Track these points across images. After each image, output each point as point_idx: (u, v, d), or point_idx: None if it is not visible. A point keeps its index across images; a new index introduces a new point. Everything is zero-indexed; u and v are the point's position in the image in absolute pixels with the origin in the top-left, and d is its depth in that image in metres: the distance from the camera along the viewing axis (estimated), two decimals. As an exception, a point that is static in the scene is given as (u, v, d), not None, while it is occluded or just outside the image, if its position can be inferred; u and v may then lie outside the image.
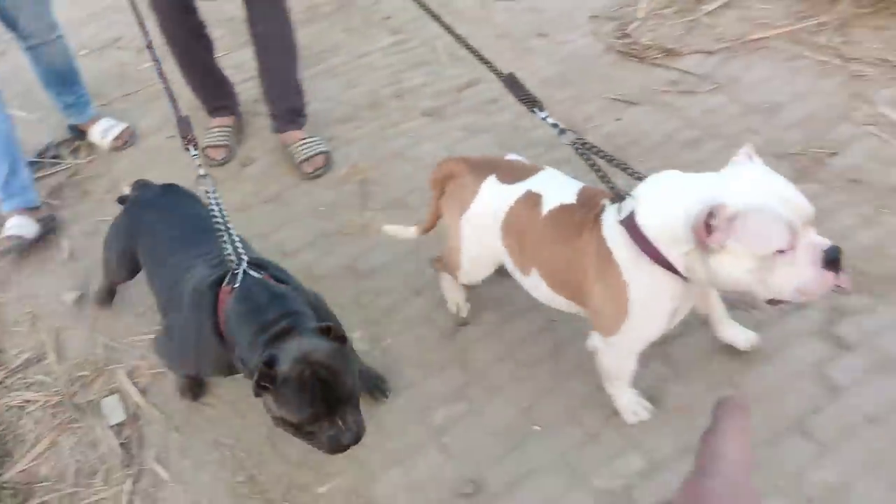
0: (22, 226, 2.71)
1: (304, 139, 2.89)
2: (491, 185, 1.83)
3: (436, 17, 1.99)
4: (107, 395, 2.18)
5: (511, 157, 2.03)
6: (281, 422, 1.46)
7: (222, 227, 1.67)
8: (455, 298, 2.19)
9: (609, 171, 1.64)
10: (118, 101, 3.53)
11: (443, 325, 2.19)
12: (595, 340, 1.73)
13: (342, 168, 2.85)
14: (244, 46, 3.19)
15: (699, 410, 1.83)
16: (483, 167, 1.87)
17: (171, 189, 2.08)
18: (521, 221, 1.75)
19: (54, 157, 3.23)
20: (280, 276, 1.66)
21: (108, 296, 2.41)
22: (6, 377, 2.29)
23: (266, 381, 1.38)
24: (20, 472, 2.02)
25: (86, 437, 2.08)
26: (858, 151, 2.49)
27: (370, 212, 2.63)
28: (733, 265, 1.39)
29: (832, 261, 1.36)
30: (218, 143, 3.01)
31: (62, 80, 3.10)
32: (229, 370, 1.65)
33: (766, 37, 3.12)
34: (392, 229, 2.22)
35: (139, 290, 2.48)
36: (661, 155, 2.60)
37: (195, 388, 2.11)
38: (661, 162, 2.54)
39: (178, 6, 2.73)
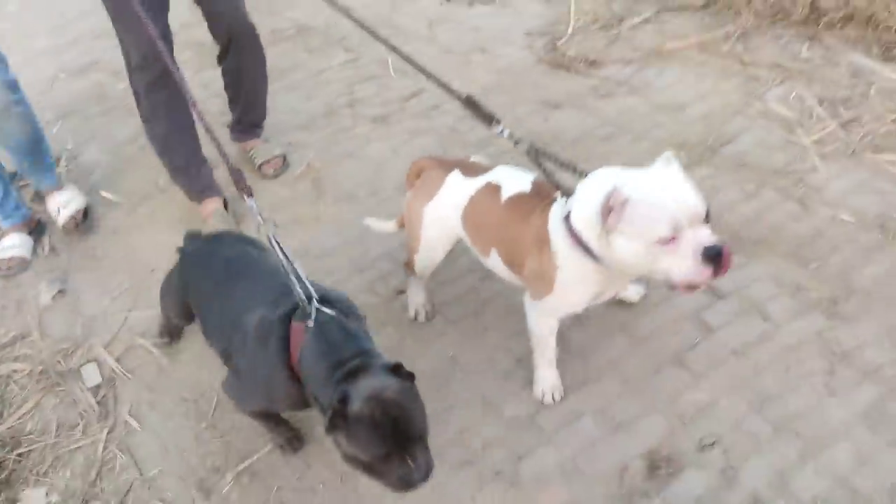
0: (19, 245, 2.93)
1: (262, 144, 3.21)
2: (455, 177, 2.07)
3: (391, 46, 2.12)
4: (85, 364, 2.45)
5: (474, 158, 2.32)
6: (351, 459, 1.48)
7: (287, 267, 1.68)
8: (416, 303, 2.39)
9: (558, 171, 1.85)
10: (97, 115, 3.83)
11: (383, 293, 2.50)
12: (525, 300, 1.98)
13: (298, 168, 3.17)
14: (211, 67, 3.47)
15: (592, 351, 2.16)
16: (449, 163, 2.13)
17: (218, 237, 2.10)
18: (482, 208, 1.98)
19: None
20: (346, 311, 1.67)
21: (173, 333, 2.46)
22: (-5, 353, 2.57)
23: (339, 419, 1.41)
24: (8, 428, 2.29)
25: (66, 398, 2.35)
26: (748, 140, 2.86)
27: (323, 205, 2.95)
28: (627, 248, 1.58)
29: (712, 256, 1.53)
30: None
31: (21, 148, 2.90)
32: (303, 405, 1.68)
33: (678, 47, 3.51)
34: (373, 223, 2.43)
35: (117, 274, 2.79)
36: (580, 148, 2.95)
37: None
38: (581, 153, 2.89)
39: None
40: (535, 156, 1.85)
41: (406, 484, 1.46)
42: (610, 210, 1.57)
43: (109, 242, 2.98)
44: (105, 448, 2.18)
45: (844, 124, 2.86)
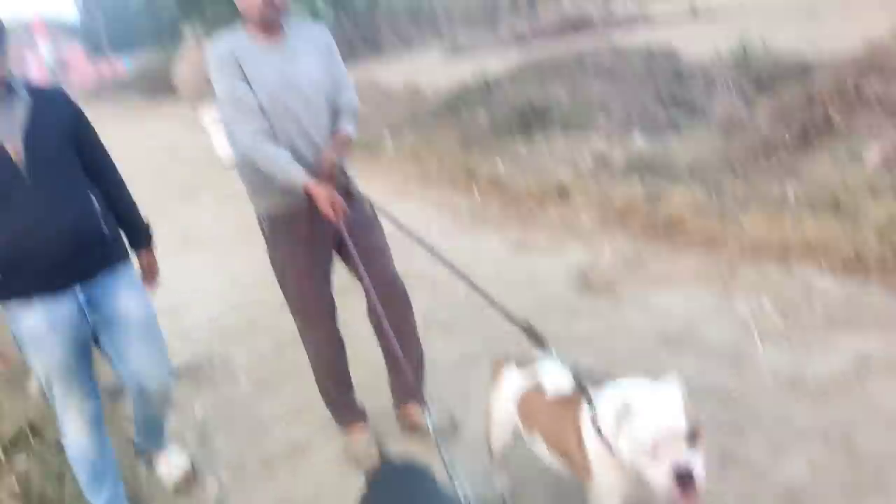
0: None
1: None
2: (511, 370, 2.52)
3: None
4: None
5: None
6: None
7: None
8: (502, 484, 2.74)
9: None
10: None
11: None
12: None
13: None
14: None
15: None
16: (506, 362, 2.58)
17: (411, 469, 2.06)
18: (531, 399, 2.38)
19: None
20: None
21: None
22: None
23: None
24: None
25: None
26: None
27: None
28: (626, 453, 1.90)
29: (682, 477, 1.76)
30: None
31: (148, 424, 3.19)
32: None
33: (681, 277, 4.51)
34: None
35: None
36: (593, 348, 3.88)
37: None
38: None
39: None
40: (577, 376, 2.22)
41: None
42: (619, 418, 1.93)
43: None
44: None
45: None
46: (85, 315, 2.68)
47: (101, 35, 44.55)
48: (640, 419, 1.84)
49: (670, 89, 9.44)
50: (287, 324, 3.27)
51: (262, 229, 3.02)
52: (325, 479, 3.20)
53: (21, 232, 2.49)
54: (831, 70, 6.30)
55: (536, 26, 25.91)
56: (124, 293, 2.77)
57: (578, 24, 24.70)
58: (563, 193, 6.28)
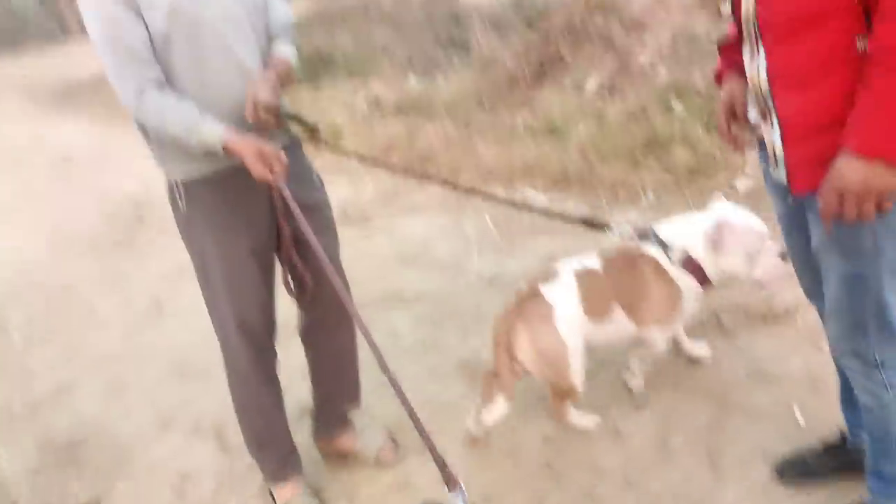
0: None
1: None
2: (548, 287, 2.43)
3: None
4: None
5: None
6: None
7: None
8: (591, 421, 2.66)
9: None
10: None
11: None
12: (650, 335, 2.56)
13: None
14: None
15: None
16: (525, 293, 2.46)
17: None
18: (592, 285, 2.44)
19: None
20: None
21: None
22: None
23: None
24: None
25: None
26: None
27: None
28: (733, 263, 2.36)
29: (783, 255, 2.26)
30: None
31: None
32: None
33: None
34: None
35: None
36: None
37: None
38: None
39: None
40: (643, 234, 2.49)
41: None
42: (716, 240, 2.34)
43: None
44: None
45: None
46: None
47: None
48: (743, 230, 2.32)
49: (449, 32, 10.06)
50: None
51: (176, 201, 2.25)
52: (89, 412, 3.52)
53: None
54: (564, 9, 7.06)
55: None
56: None
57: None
58: (336, 134, 6.70)
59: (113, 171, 7.45)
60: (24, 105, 13.66)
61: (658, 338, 2.58)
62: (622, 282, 2.46)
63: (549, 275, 2.47)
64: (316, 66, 9.22)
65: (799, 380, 2.71)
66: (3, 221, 6.71)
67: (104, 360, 3.91)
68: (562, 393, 2.50)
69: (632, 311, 2.48)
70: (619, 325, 2.49)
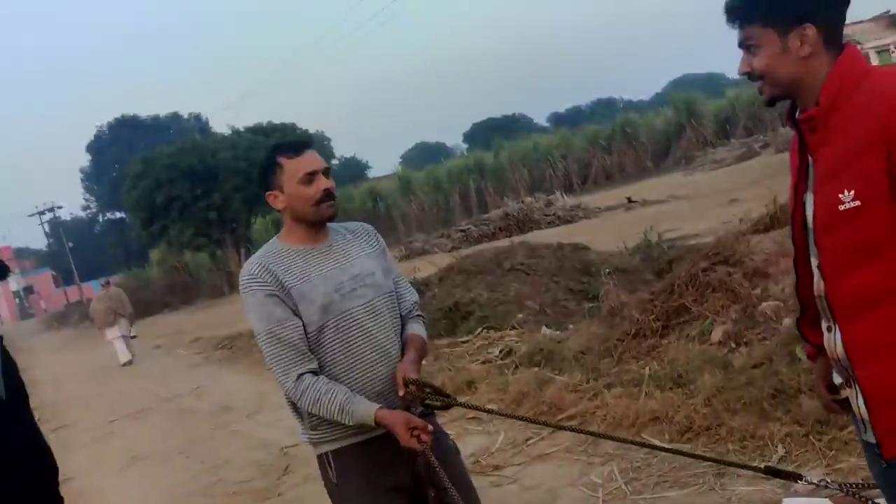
0: None
1: None
2: None
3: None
4: None
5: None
6: None
7: None
8: None
9: None
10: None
11: None
12: None
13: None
14: None
15: None
16: None
17: None
18: None
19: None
20: None
21: None
22: None
23: None
24: None
25: None
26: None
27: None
28: None
29: None
30: None
31: None
32: None
33: None
34: None
35: None
36: None
37: None
38: None
39: None
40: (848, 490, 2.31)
41: None
42: None
43: None
44: None
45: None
46: None
47: (70, 263, 46.51)
48: None
49: (580, 282, 10.62)
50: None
51: (327, 472, 2.48)
52: None
53: None
54: (689, 260, 7.41)
55: (482, 226, 27.93)
56: None
57: (522, 221, 26.78)
58: (470, 385, 7.08)
59: (265, 421, 8.10)
60: (192, 358, 15.31)
61: None
62: None
63: None
64: (454, 319, 9.88)
65: None
66: (163, 461, 7.35)
67: None
68: None
69: None
70: None
